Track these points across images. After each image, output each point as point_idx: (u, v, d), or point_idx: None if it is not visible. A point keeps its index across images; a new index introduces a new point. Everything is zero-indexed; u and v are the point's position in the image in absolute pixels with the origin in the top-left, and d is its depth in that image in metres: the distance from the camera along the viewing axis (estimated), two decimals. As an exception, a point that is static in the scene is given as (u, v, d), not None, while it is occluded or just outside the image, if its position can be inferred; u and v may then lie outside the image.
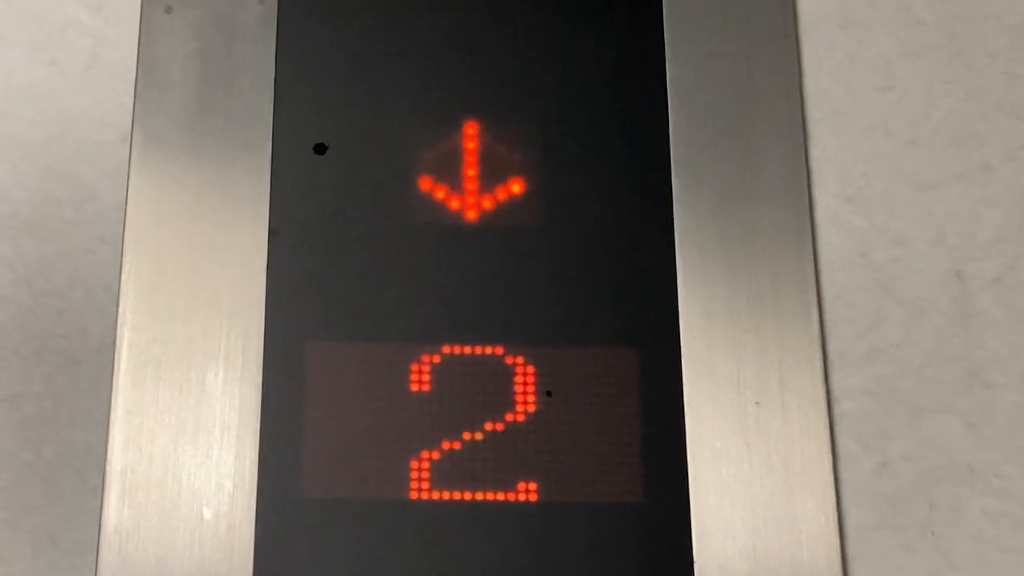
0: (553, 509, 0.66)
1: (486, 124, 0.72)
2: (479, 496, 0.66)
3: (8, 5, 0.73)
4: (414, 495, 0.66)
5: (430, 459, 0.66)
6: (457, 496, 0.66)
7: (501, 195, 0.71)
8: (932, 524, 0.67)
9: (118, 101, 0.72)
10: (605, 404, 0.67)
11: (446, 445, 0.67)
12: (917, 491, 0.67)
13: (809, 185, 0.71)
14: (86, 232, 0.70)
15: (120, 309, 0.67)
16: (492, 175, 0.71)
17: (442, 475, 0.66)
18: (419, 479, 0.66)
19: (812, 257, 0.70)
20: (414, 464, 0.66)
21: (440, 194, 0.70)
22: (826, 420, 0.67)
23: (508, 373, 0.68)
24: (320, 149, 0.71)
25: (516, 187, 0.71)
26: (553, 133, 0.72)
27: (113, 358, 0.66)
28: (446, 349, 0.68)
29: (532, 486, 0.66)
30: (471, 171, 0.71)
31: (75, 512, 0.66)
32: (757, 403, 0.67)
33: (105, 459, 0.65)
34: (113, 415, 0.65)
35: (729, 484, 0.66)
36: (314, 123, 0.71)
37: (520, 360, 0.68)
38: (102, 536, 0.64)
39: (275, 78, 0.71)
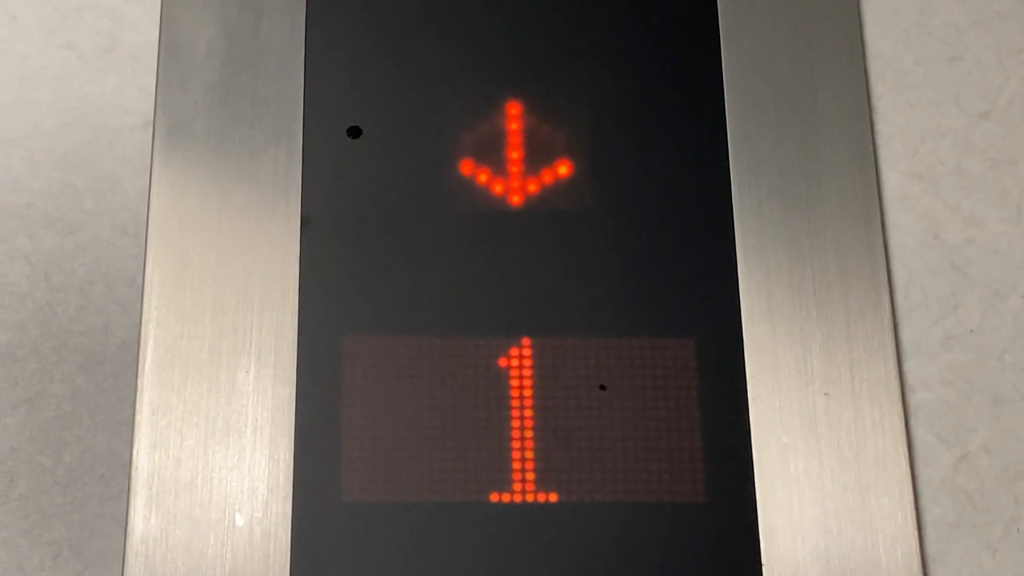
0: (607, 510, 0.63)
1: (530, 103, 0.69)
2: (529, 498, 0.63)
3: (22, -14, 0.72)
4: (459, 498, 0.63)
5: (477, 460, 0.64)
6: (507, 498, 0.63)
7: (547, 178, 0.68)
8: (1018, 521, 0.65)
9: (139, 85, 0.70)
10: (662, 398, 0.65)
11: (493, 444, 0.64)
12: (1000, 486, 0.65)
13: (876, 163, 0.69)
14: (107, 223, 0.67)
15: (144, 304, 0.65)
16: (537, 157, 0.68)
17: (491, 476, 0.63)
18: (465, 480, 0.63)
19: (881, 239, 0.67)
20: (459, 466, 0.64)
21: (482, 178, 0.68)
22: (901, 411, 0.64)
23: (558, 366, 0.65)
24: (354, 132, 0.68)
25: (563, 169, 0.68)
26: (602, 111, 0.69)
27: (137, 356, 0.64)
28: (492, 343, 0.65)
29: (585, 486, 0.63)
30: (515, 153, 0.68)
31: (99, 520, 0.63)
32: (826, 394, 0.64)
33: (130, 463, 0.62)
34: (138, 417, 0.63)
35: (798, 481, 0.63)
36: (347, 105, 0.69)
37: (570, 352, 0.65)
38: (128, 546, 0.61)
39: (305, 58, 0.69)
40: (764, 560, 0.62)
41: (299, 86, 0.68)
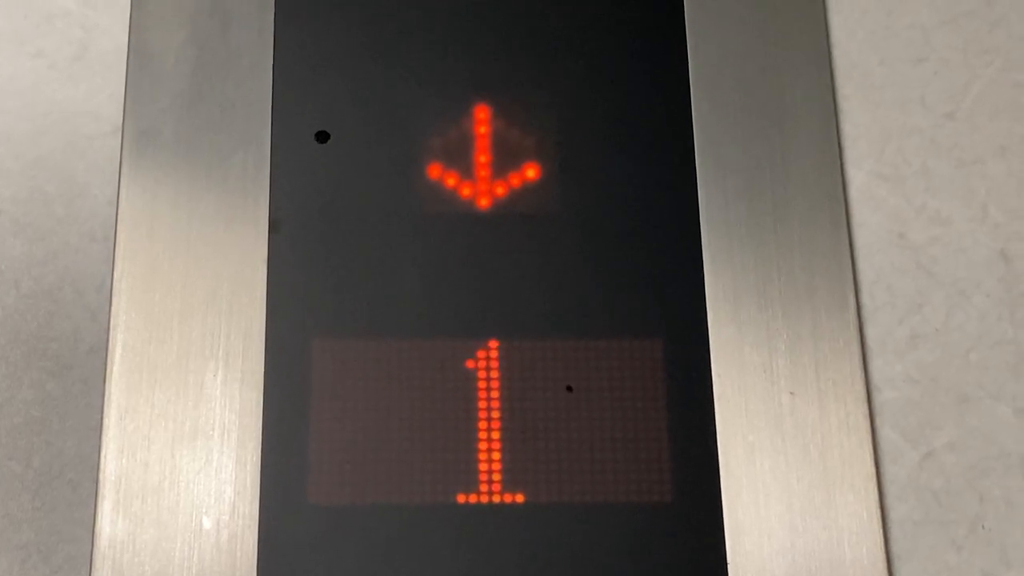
0: (575, 511, 0.63)
1: (498, 107, 0.69)
2: (495, 499, 0.63)
3: (-8, -5, 0.72)
4: (426, 500, 0.63)
5: (444, 461, 0.63)
6: (473, 499, 0.63)
7: (515, 181, 0.68)
8: (983, 518, 0.64)
9: (109, 92, 0.70)
10: (629, 398, 0.65)
11: (461, 446, 0.64)
12: (965, 484, 0.65)
13: (842, 163, 0.69)
14: (76, 230, 0.67)
15: (113, 309, 0.65)
16: (505, 161, 0.68)
17: (458, 477, 0.63)
18: (432, 482, 0.63)
19: (847, 239, 0.67)
20: (427, 467, 0.63)
21: (450, 182, 0.68)
22: (866, 410, 0.64)
23: (525, 368, 0.65)
24: (322, 137, 0.68)
25: (531, 173, 0.68)
26: (569, 115, 0.69)
27: (106, 361, 0.64)
28: (459, 345, 0.65)
29: (552, 487, 0.63)
30: (483, 157, 0.68)
31: (67, 525, 0.63)
32: (792, 393, 0.64)
33: (98, 467, 0.62)
34: (106, 421, 0.63)
35: (763, 480, 0.63)
36: (315, 110, 0.69)
37: (538, 354, 0.65)
38: (95, 550, 0.61)
39: (274, 63, 0.69)
40: (730, 558, 0.62)
41: (267, 91, 0.68)
